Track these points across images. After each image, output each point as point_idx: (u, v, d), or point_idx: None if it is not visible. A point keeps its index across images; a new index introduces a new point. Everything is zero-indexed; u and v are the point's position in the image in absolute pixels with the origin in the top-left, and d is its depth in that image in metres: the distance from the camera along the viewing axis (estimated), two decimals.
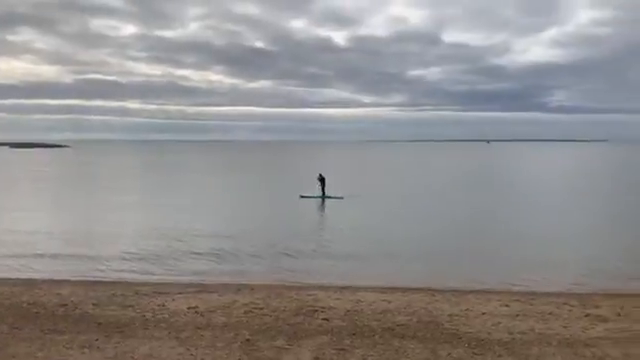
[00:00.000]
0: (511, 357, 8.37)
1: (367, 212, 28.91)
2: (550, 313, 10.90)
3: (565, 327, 9.96)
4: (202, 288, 13.24)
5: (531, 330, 9.74)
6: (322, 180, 34.43)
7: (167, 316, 10.55)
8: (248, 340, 9.08)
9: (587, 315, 10.83)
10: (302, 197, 34.04)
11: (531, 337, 9.35)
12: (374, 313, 10.79)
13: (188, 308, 11.10)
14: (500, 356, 8.41)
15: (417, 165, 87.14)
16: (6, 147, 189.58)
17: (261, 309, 11.05)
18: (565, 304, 11.65)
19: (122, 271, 15.93)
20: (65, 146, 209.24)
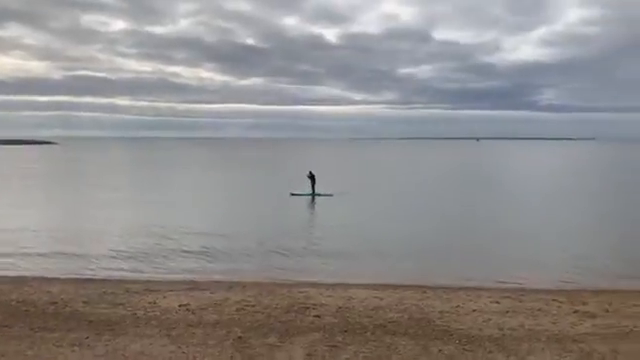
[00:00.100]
0: (501, 353, 8.45)
1: (357, 210, 28.96)
2: (539, 309, 11.02)
3: (554, 323, 10.08)
4: (193, 285, 13.22)
5: (521, 326, 9.85)
6: (312, 178, 34.43)
7: (158, 314, 10.52)
8: (240, 337, 9.09)
9: (575, 311, 10.95)
10: (292, 195, 34.04)
11: (521, 333, 9.45)
12: (366, 310, 10.84)
13: (179, 306, 11.08)
14: (491, 352, 8.50)
15: (407, 163, 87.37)
16: None
17: (253, 306, 11.06)
18: (554, 301, 11.77)
19: (111, 269, 15.79)
20: (54, 143, 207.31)
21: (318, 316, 10.39)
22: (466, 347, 8.70)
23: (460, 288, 13.32)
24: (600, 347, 8.73)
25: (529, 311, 10.89)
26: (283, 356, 8.27)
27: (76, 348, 8.57)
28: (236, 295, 12.04)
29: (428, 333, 9.42)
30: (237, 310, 10.80)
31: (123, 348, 8.57)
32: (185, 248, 18.58)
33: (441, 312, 10.74)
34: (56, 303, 11.26)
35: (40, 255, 17.43)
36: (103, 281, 13.99)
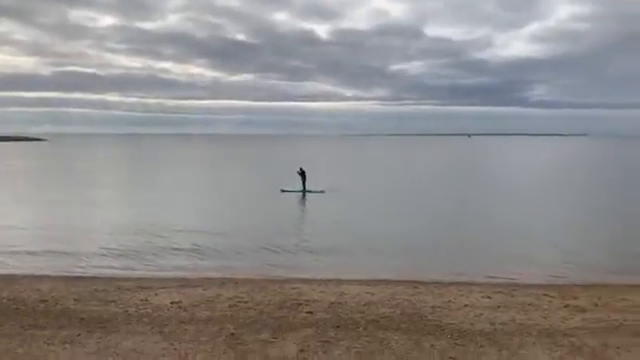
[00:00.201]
0: (493, 347, 8.51)
1: (348, 206, 28.99)
2: (530, 304, 11.11)
3: (545, 317, 10.17)
4: (185, 283, 13.18)
5: (512, 321, 9.92)
6: (303, 174, 34.39)
7: (150, 311, 10.49)
8: (233, 334, 9.08)
9: (566, 306, 11.06)
10: (283, 191, 34.00)
11: (512, 328, 9.52)
12: (358, 305, 10.87)
13: (171, 303, 11.04)
14: (482, 346, 8.55)
15: (398, 159, 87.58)
16: None
17: (245, 303, 11.05)
18: (545, 295, 11.87)
19: (102, 267, 15.64)
20: (43, 140, 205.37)
21: (310, 312, 10.40)
22: (458, 342, 8.76)
23: (452, 283, 13.40)
24: (590, 341, 8.82)
25: (520, 306, 10.98)
26: (276, 352, 8.28)
27: (67, 346, 8.52)
28: (228, 292, 12.02)
29: (420, 328, 9.47)
30: (229, 307, 10.78)
31: (115, 345, 8.53)
32: (176, 246, 18.48)
33: (433, 307, 10.80)
34: (46, 301, 11.19)
35: (29, 253, 17.26)
36: (94, 278, 13.90)
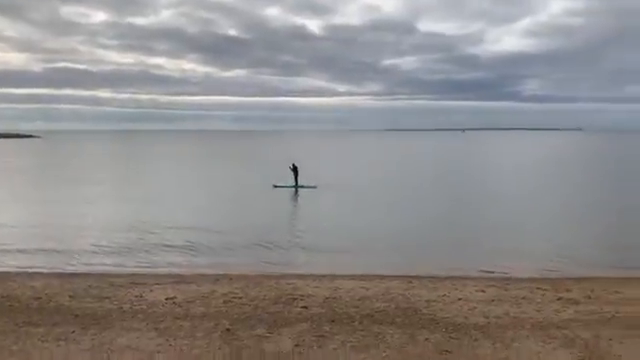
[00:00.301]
0: (487, 340, 8.56)
1: (340, 201, 29.05)
2: (524, 297, 11.19)
3: (538, 310, 10.25)
4: (180, 279, 13.16)
5: (506, 314, 9.99)
6: (295, 169, 34.40)
7: (145, 307, 10.46)
8: (228, 330, 9.08)
9: (559, 299, 11.14)
10: (275, 187, 34.01)
11: (506, 321, 9.59)
12: (352, 300, 10.90)
13: (166, 299, 11.03)
14: (476, 340, 8.61)
15: (391, 154, 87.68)
16: None
17: (240, 298, 11.05)
18: (538, 289, 11.95)
19: (94, 265, 15.59)
20: (35, 136, 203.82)
21: (305, 307, 10.42)
22: (452, 335, 8.81)
23: (446, 277, 13.46)
24: (583, 333, 8.90)
25: (514, 299, 11.05)
26: (271, 347, 8.29)
27: (62, 343, 8.50)
28: (223, 287, 12.02)
29: (415, 322, 9.51)
30: (224, 302, 10.78)
31: (110, 342, 8.51)
32: (168, 242, 18.40)
33: (427, 301, 10.85)
34: (40, 298, 11.14)
35: (22, 251, 17.16)
36: (88, 275, 13.86)
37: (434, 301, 10.86)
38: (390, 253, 17.08)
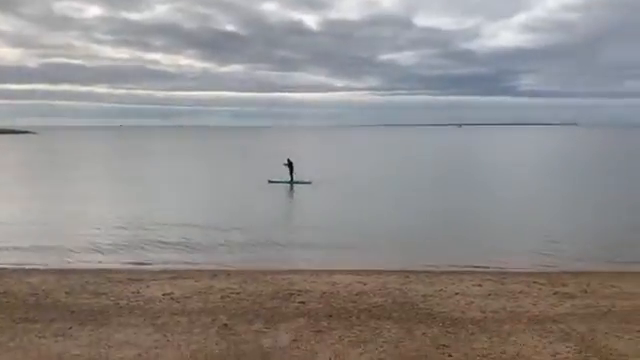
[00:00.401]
0: (484, 335, 8.60)
1: (335, 197, 29.06)
2: (520, 292, 11.22)
3: (535, 305, 10.29)
4: (177, 274, 13.13)
5: (503, 308, 10.03)
6: (290, 165, 34.39)
7: (142, 303, 10.46)
8: (225, 325, 9.10)
9: (555, 293, 11.18)
10: (270, 182, 33.99)
11: (503, 315, 9.63)
12: (350, 295, 10.92)
13: (163, 294, 11.02)
14: (473, 334, 8.64)
15: (387, 150, 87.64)
16: None
17: (238, 294, 11.06)
18: (535, 283, 12.00)
19: (90, 262, 15.52)
20: (32, 132, 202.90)
21: (303, 302, 10.44)
22: (449, 329, 8.84)
23: (443, 272, 13.50)
24: (579, 327, 8.95)
25: (510, 293, 11.08)
26: (269, 342, 8.31)
27: (59, 338, 8.50)
28: (220, 283, 12.02)
29: (412, 317, 9.54)
30: (222, 298, 10.79)
31: (107, 338, 8.51)
32: (164, 239, 18.29)
33: (424, 296, 10.87)
34: (37, 294, 11.12)
35: (17, 248, 17.09)
36: (84, 271, 13.78)
37: (431, 296, 10.89)
38: (387, 248, 17.10)
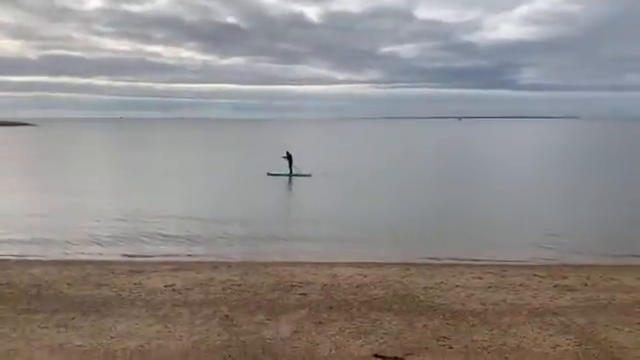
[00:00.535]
0: (484, 327, 8.64)
1: (336, 190, 29.07)
2: (521, 284, 11.26)
3: (535, 297, 10.32)
4: (178, 266, 13.18)
5: (503, 301, 10.07)
6: (289, 158, 34.39)
7: (144, 294, 10.51)
8: (227, 316, 9.14)
9: (555, 286, 11.22)
10: (269, 175, 34.01)
11: (503, 307, 9.67)
12: (351, 287, 10.96)
13: (165, 286, 11.07)
14: (473, 326, 8.68)
15: (387, 143, 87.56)
16: None
17: (239, 285, 11.10)
18: (535, 276, 12.03)
19: (92, 254, 15.52)
20: (32, 124, 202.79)
21: (304, 294, 10.48)
22: (450, 322, 8.89)
23: (443, 265, 13.54)
24: (579, 319, 8.99)
25: (511, 286, 11.12)
26: (270, 333, 8.35)
27: (62, 329, 8.55)
28: (222, 275, 12.07)
29: (412, 309, 9.58)
30: (223, 289, 10.84)
31: (109, 328, 8.56)
32: (164, 231, 18.29)
33: (425, 288, 10.91)
34: (39, 285, 11.17)
35: (19, 240, 17.13)
36: (86, 263, 13.83)
37: (431, 288, 10.93)
38: (387, 240, 17.13)
